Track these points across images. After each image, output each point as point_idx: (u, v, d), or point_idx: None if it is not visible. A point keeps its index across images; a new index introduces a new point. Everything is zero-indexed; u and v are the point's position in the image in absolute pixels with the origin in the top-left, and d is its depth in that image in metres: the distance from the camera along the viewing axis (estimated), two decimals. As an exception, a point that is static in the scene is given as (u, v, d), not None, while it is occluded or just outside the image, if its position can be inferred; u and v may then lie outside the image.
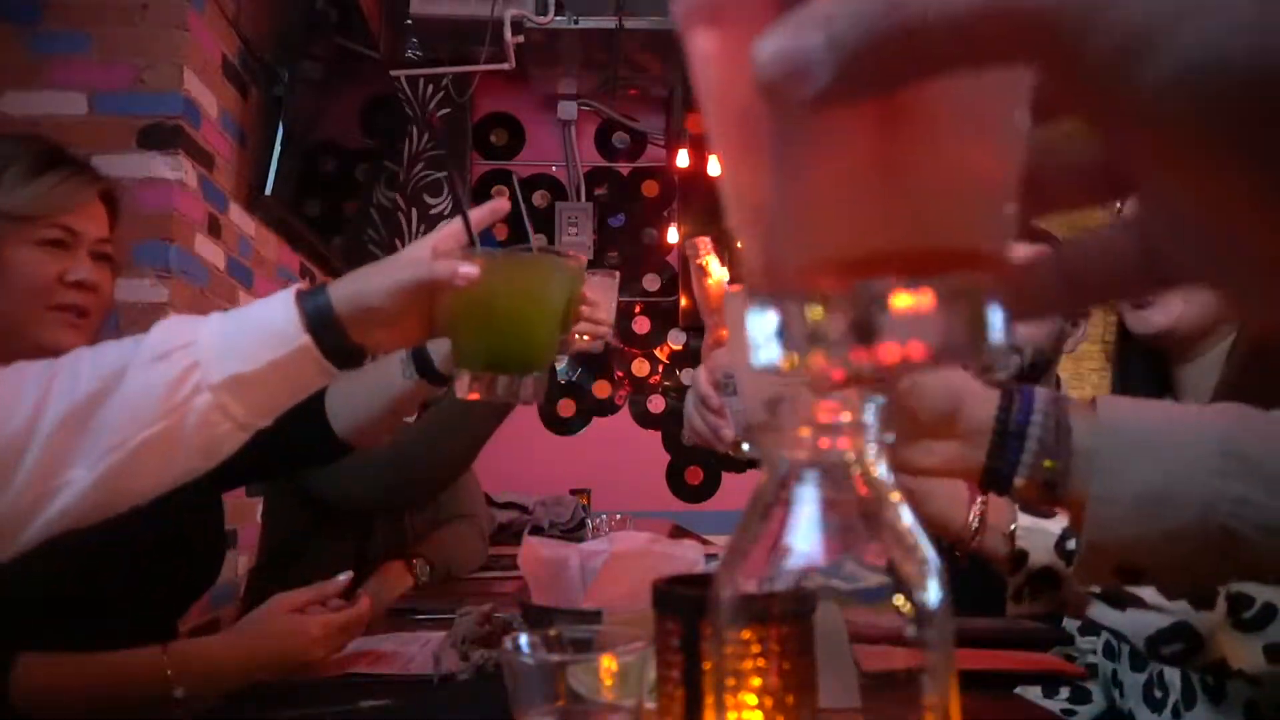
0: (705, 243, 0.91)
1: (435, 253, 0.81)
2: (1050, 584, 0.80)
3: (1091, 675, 1.14)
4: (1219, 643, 0.77)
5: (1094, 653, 1.14)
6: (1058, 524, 0.80)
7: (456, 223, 0.85)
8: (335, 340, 0.75)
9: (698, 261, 0.90)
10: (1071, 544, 0.79)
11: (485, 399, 0.79)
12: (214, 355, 0.72)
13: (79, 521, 0.72)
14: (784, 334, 0.23)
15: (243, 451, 1.18)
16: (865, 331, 0.21)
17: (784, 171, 0.22)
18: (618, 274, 1.24)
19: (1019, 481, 0.59)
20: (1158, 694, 1.00)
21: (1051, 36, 0.18)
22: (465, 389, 0.79)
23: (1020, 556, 0.80)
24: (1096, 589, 0.80)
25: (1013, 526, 0.80)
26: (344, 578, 1.08)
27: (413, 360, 1.03)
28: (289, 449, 1.16)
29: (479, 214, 0.85)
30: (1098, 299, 0.28)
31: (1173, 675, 0.97)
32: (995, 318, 0.22)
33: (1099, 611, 0.80)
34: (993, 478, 0.60)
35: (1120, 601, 0.79)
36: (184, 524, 1.14)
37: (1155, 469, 0.54)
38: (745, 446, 0.69)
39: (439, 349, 0.99)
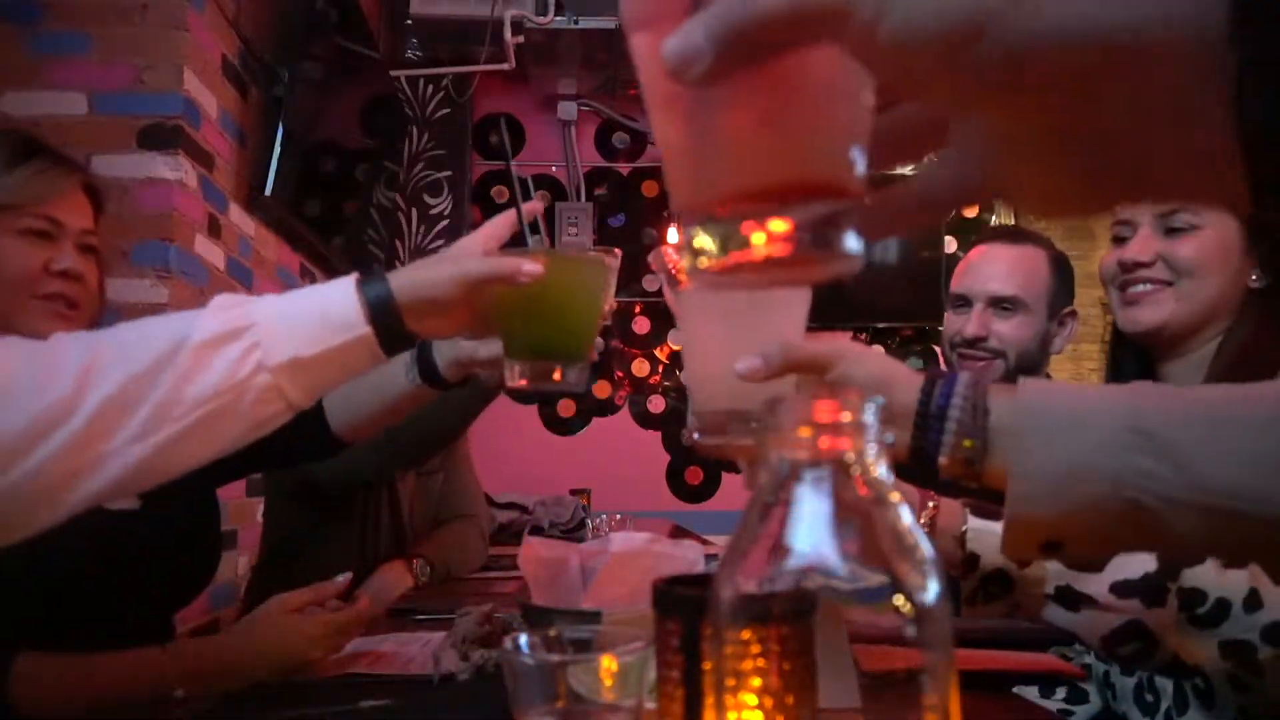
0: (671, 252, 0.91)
1: (488, 247, 0.85)
2: (1003, 586, 0.81)
3: (1089, 675, 1.14)
4: (1173, 640, 0.77)
5: (1088, 652, 1.14)
6: None
7: (502, 217, 0.90)
8: (393, 328, 0.78)
9: (670, 270, 0.91)
10: None
11: (533, 388, 0.84)
12: (275, 338, 0.74)
13: (125, 491, 0.74)
14: (699, 242, 0.31)
15: (211, 541, 1.20)
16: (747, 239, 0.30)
17: (695, 131, 0.31)
18: (618, 253, 1.13)
19: (942, 460, 0.62)
20: (1149, 698, 1.00)
21: (842, 24, 0.26)
22: (515, 377, 0.84)
23: (972, 559, 0.81)
24: (1050, 591, 0.81)
25: (964, 529, 0.81)
26: (342, 579, 1.08)
27: (417, 364, 1.03)
28: (286, 444, 1.13)
29: (511, 217, 0.90)
30: (941, 212, 0.35)
31: (1164, 680, 0.98)
32: (850, 235, 0.30)
33: (1052, 613, 0.81)
34: (918, 457, 0.63)
35: (1073, 602, 0.80)
36: (181, 523, 1.14)
37: (1070, 446, 0.56)
38: (696, 436, 0.70)
39: (443, 354, 1.01)
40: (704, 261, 0.31)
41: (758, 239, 0.29)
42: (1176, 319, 1.07)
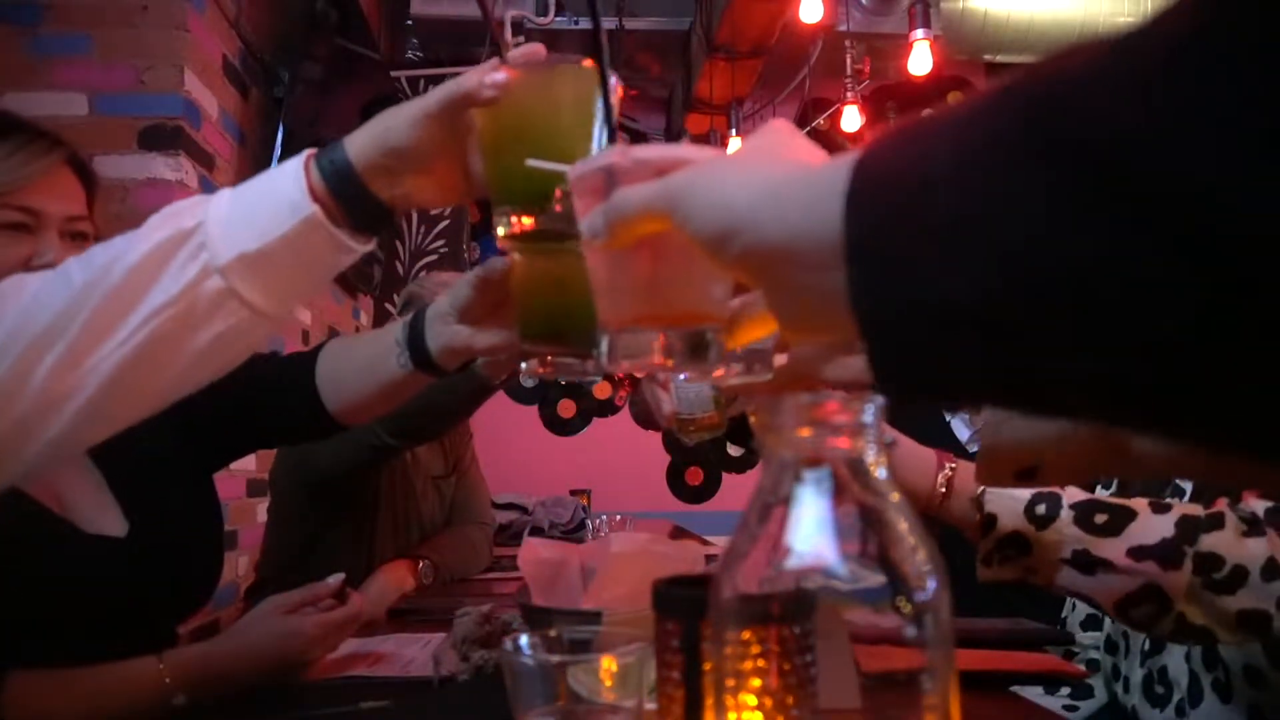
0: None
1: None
2: (1019, 549, 0.80)
3: (1093, 670, 1.14)
4: (1187, 604, 0.77)
5: (1096, 649, 1.14)
6: (1026, 491, 0.80)
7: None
8: (358, 198, 0.67)
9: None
10: (1042, 508, 0.80)
11: (556, 375, 0.71)
12: (220, 234, 0.64)
13: (91, 434, 0.67)
14: (609, 350, 0.46)
15: (234, 423, 1.13)
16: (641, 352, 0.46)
17: (611, 272, 0.45)
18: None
19: None
20: (1159, 689, 1.00)
21: (669, 221, 0.38)
22: (534, 366, 0.71)
23: (989, 521, 0.81)
24: (1067, 555, 0.80)
25: (980, 490, 0.81)
26: (335, 580, 1.06)
27: (408, 348, 0.92)
28: (280, 421, 1.12)
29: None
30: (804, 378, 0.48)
31: (1177, 673, 0.97)
32: (714, 347, 0.45)
33: (1067, 577, 0.80)
34: None
35: (1090, 566, 0.79)
36: (174, 541, 1.10)
37: None
38: (683, 415, 0.70)
39: (437, 339, 0.90)
40: (625, 364, 0.46)
41: (654, 348, 0.44)
42: None
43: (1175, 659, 0.98)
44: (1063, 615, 1.23)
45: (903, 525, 0.36)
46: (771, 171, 0.37)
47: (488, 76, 0.64)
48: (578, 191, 0.46)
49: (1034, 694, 1.08)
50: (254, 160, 2.38)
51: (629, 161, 0.42)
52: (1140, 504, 0.80)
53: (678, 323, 0.44)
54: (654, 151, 0.43)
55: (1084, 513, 0.79)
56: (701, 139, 3.47)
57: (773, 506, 0.36)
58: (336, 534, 1.68)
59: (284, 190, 0.66)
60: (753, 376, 0.62)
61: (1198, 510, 0.79)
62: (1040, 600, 1.28)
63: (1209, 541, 0.76)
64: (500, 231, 0.68)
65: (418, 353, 0.90)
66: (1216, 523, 0.78)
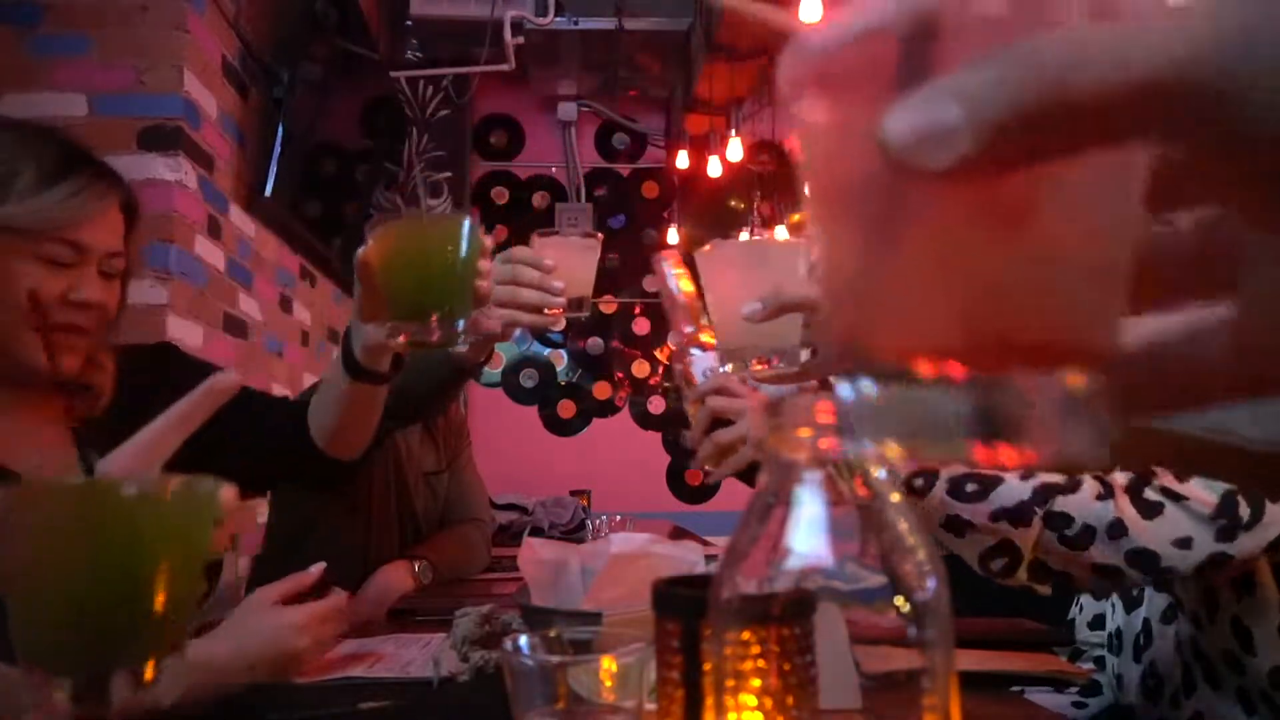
0: (674, 254, 1.05)
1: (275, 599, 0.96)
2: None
3: (1100, 669, 1.14)
4: (1039, 555, 0.89)
5: (1101, 646, 1.15)
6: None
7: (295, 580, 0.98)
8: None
9: (672, 272, 1.03)
10: (919, 481, 0.92)
11: (411, 342, 0.90)
12: None
13: None
14: (872, 417, 0.22)
15: (241, 469, 1.17)
16: (985, 426, 0.20)
17: (887, 248, 0.21)
18: (598, 237, 1.18)
19: None
20: (1150, 683, 1.01)
21: (1202, 109, 0.18)
22: (387, 334, 0.93)
23: None
24: (941, 520, 0.92)
25: None
26: (317, 569, 1.04)
27: (343, 361, 1.03)
28: (282, 468, 1.20)
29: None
30: (1193, 404, 0.26)
31: (1169, 666, 0.99)
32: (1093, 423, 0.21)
33: (944, 538, 0.92)
34: None
35: (959, 529, 0.91)
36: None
37: None
38: (724, 369, 0.92)
39: (356, 346, 1.02)
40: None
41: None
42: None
43: (1165, 654, 0.99)
44: (1069, 616, 1.23)
45: (903, 525, 0.36)
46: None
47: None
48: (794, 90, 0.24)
49: (1042, 692, 1.08)
50: (253, 161, 2.38)
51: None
52: (1010, 473, 0.91)
53: (1048, 358, 0.22)
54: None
55: (956, 484, 0.91)
56: (701, 140, 3.48)
57: (773, 507, 0.36)
58: (331, 522, 1.67)
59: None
60: (783, 368, 0.85)
61: (1059, 478, 0.90)
62: (1042, 601, 1.28)
63: (1061, 503, 0.87)
64: (386, 336, 0.93)
65: (349, 362, 1.02)
66: (1073, 487, 0.88)
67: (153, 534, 0.49)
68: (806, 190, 0.24)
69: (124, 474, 0.61)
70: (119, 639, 0.49)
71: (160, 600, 0.48)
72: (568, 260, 1.11)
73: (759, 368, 0.88)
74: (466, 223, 0.91)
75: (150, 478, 0.59)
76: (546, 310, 1.08)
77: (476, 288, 0.92)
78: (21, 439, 1.01)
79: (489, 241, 0.96)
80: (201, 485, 0.50)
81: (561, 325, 1.17)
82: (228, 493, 0.54)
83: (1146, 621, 1.04)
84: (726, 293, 0.90)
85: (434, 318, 0.88)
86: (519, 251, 1.09)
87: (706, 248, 0.91)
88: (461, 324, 0.89)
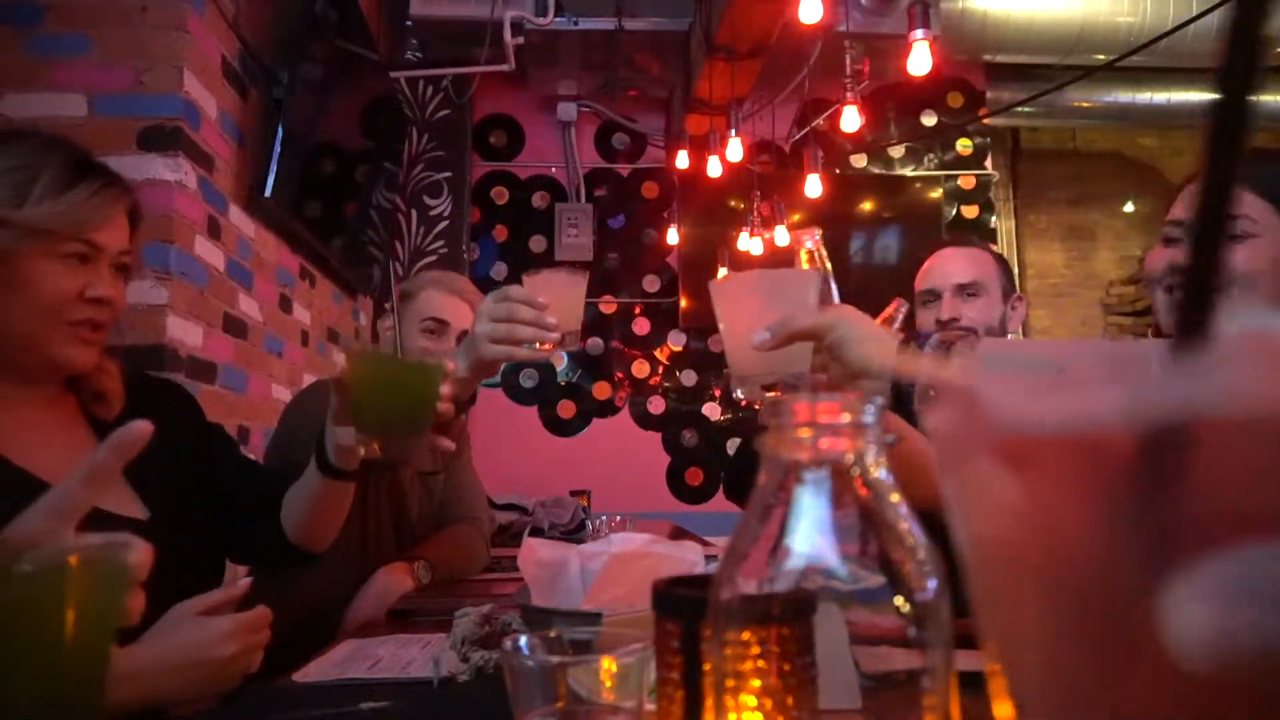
0: (813, 233, 1.13)
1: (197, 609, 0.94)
2: None
3: None
4: None
5: None
6: None
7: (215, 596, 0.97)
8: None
9: (814, 250, 1.12)
10: None
11: (370, 454, 1.05)
12: None
13: None
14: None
15: (217, 552, 1.21)
16: None
17: (1100, 651, 0.19)
18: (585, 275, 1.23)
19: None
20: None
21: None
22: (356, 441, 1.05)
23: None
24: None
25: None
26: (244, 584, 1.03)
27: (316, 459, 1.14)
28: (255, 553, 1.29)
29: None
30: None
31: None
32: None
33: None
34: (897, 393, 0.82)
35: None
36: (188, 537, 1.12)
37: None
38: (737, 394, 0.95)
39: (330, 445, 1.12)
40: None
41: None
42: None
43: None
44: None
45: (903, 526, 0.36)
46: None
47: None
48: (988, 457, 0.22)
49: None
50: (253, 161, 2.38)
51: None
52: None
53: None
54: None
55: None
56: (701, 140, 3.47)
57: (773, 507, 0.36)
58: None
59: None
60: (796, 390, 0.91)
61: None
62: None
63: None
64: (356, 442, 1.05)
65: (321, 461, 1.13)
66: None
67: (54, 608, 0.47)
68: (962, 536, 0.23)
69: (32, 537, 0.58)
70: (27, 710, 0.48)
71: (69, 670, 0.48)
72: (558, 297, 1.17)
73: (771, 395, 0.91)
74: (432, 366, 1.08)
75: (52, 551, 0.56)
76: (539, 345, 1.15)
77: (438, 413, 1.08)
78: (40, 441, 1.02)
79: (450, 365, 1.11)
80: (108, 556, 0.49)
81: (557, 360, 1.26)
82: (140, 556, 0.54)
83: None
84: (738, 322, 0.93)
85: (394, 440, 1.05)
86: (515, 291, 1.16)
87: (720, 278, 0.95)
88: (418, 446, 1.09)
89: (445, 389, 1.09)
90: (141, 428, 0.65)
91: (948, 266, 1.80)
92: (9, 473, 0.97)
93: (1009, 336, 1.79)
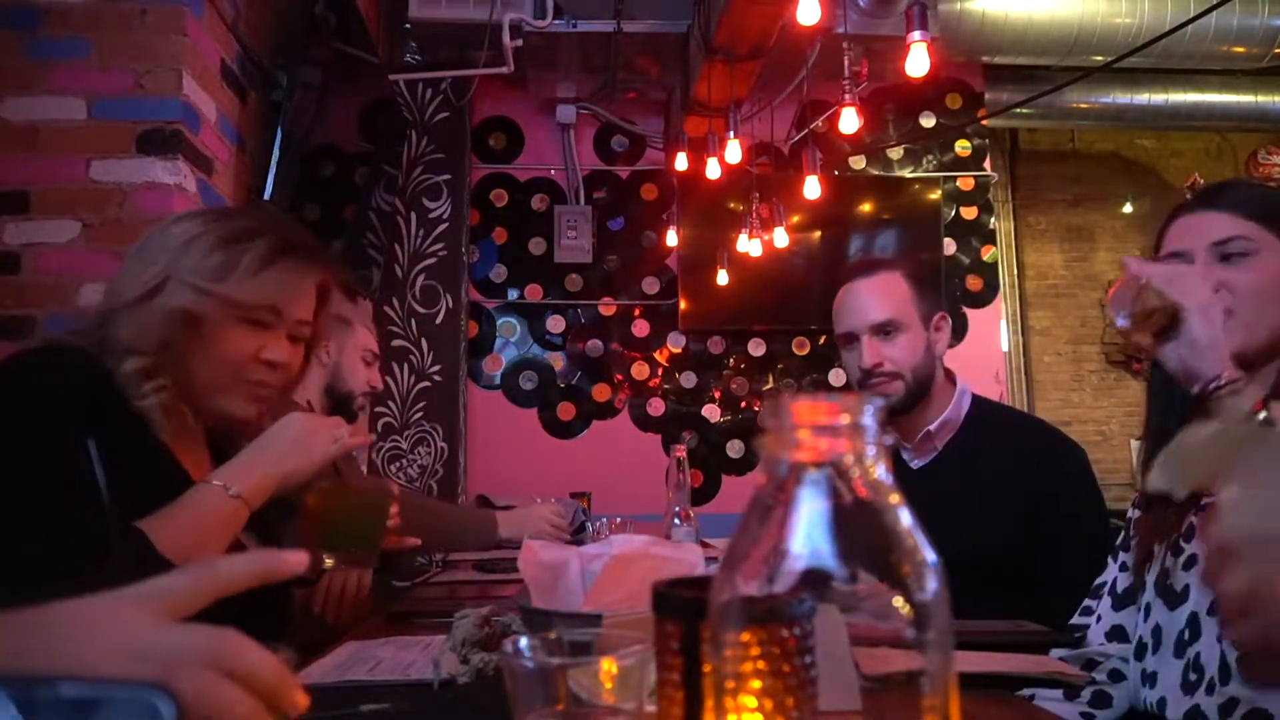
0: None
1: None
2: None
3: (1116, 680, 1.13)
4: None
5: (1124, 659, 1.13)
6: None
7: None
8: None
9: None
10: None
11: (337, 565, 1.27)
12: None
13: None
14: None
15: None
16: None
17: None
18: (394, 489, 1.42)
19: None
20: (1192, 676, 1.00)
21: None
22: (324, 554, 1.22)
23: None
24: None
25: None
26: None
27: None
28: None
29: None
30: None
31: (1209, 656, 0.98)
32: None
33: None
34: None
35: None
36: (284, 511, 1.21)
37: None
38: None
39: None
40: None
41: None
42: (1237, 349, 1.01)
43: (1208, 645, 0.98)
44: (1085, 624, 1.22)
45: (903, 526, 0.36)
46: None
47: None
48: None
49: (1053, 700, 1.08)
50: (252, 164, 2.38)
51: None
52: None
53: None
54: None
55: None
56: (700, 142, 3.47)
57: (772, 508, 0.36)
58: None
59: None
60: None
61: None
62: (1044, 604, 1.28)
63: None
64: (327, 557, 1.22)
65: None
66: None
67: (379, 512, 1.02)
68: None
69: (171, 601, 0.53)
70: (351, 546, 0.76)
71: (362, 534, 0.77)
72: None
73: None
74: (386, 494, 1.29)
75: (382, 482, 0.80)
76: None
77: (388, 529, 1.28)
78: (187, 458, 1.15)
79: (394, 488, 1.34)
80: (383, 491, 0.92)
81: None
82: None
83: (1194, 615, 1.02)
84: None
85: (354, 552, 1.25)
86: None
87: None
88: (374, 556, 1.29)
89: (394, 508, 1.29)
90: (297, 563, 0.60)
91: (859, 303, 1.66)
92: (168, 452, 1.11)
93: (938, 359, 1.67)
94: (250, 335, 1.11)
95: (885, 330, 1.63)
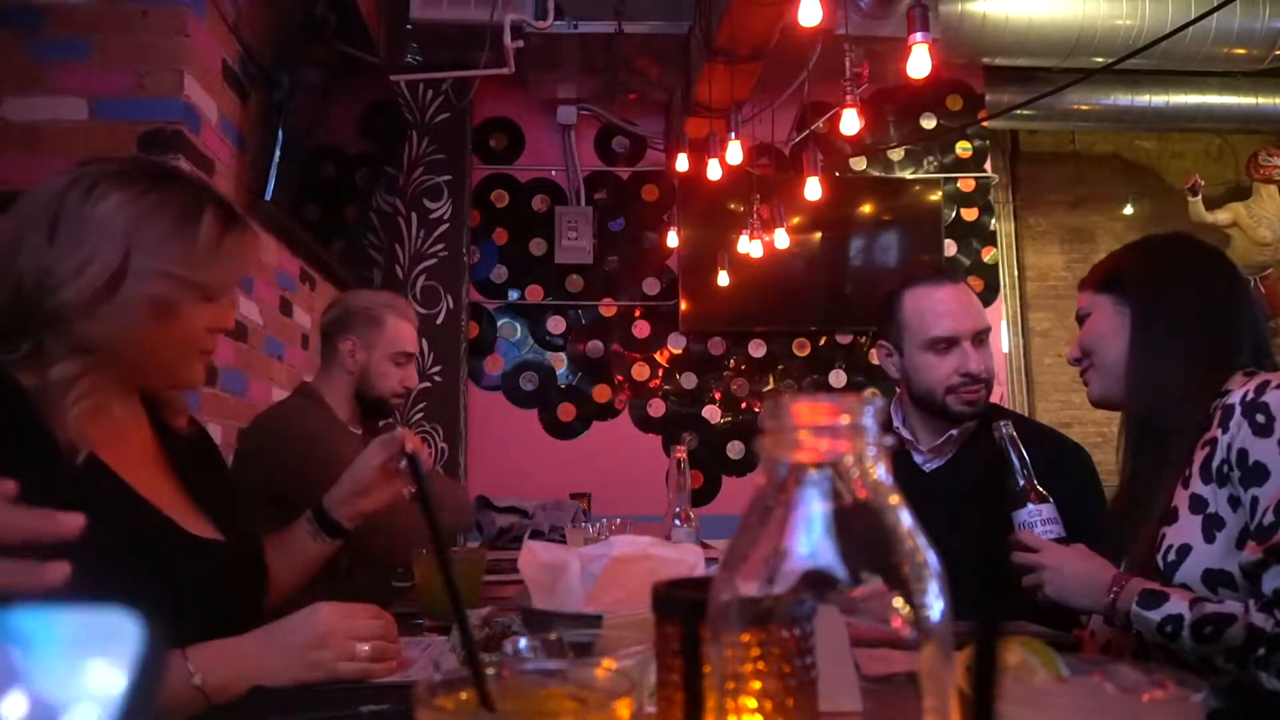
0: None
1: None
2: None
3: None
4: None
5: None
6: (1157, 614, 1.04)
7: None
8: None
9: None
10: (1169, 628, 1.04)
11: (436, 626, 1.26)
12: None
13: None
14: None
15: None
16: None
17: None
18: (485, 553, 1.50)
19: None
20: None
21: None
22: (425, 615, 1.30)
23: (1138, 635, 1.09)
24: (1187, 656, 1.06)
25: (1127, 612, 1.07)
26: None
27: (319, 523, 1.29)
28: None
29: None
30: None
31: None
32: None
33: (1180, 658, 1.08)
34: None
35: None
36: (257, 545, 1.19)
37: None
38: None
39: (342, 512, 1.29)
40: None
41: None
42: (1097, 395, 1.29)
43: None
44: (1088, 626, 1.21)
45: (903, 527, 0.36)
46: None
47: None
48: None
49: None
50: (253, 164, 2.38)
51: None
52: (1236, 608, 1.01)
53: None
54: None
55: (1196, 628, 1.02)
56: (700, 143, 3.47)
57: (772, 509, 0.36)
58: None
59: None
60: None
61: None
62: (1044, 605, 1.28)
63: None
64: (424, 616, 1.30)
65: (327, 525, 1.30)
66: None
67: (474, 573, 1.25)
68: None
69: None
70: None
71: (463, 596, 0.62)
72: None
73: None
74: (479, 558, 1.40)
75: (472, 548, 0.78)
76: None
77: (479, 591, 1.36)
78: (116, 438, 1.05)
79: (485, 554, 1.45)
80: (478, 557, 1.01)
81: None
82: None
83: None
84: None
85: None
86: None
87: None
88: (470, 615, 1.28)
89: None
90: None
91: (969, 307, 1.61)
92: (92, 465, 0.97)
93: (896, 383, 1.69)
94: (206, 310, 1.07)
95: (983, 338, 1.62)
